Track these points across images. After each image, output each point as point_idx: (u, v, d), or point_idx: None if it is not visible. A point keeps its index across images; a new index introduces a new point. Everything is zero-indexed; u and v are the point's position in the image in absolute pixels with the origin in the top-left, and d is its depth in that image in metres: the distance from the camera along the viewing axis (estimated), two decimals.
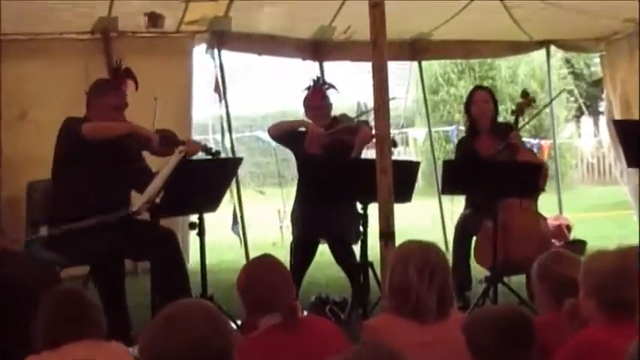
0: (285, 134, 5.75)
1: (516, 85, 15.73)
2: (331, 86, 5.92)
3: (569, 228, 7.96)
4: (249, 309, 2.92)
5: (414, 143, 15.88)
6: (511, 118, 5.66)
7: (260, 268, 3.01)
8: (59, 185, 4.84)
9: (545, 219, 5.63)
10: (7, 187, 5.73)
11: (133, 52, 6.71)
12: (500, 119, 6.34)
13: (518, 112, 5.56)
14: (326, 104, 5.77)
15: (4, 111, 6.19)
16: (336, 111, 5.99)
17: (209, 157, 4.95)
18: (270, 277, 2.93)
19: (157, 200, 4.54)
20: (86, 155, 4.63)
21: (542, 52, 9.02)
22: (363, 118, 5.88)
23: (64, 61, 6.60)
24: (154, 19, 6.62)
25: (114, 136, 4.67)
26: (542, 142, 12.66)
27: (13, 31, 6.20)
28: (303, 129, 5.64)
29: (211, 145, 6.74)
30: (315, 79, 5.94)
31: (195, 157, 4.98)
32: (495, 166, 5.19)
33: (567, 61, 16.77)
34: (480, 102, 5.74)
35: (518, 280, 5.48)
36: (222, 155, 6.02)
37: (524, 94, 5.68)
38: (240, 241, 7.48)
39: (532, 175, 5.09)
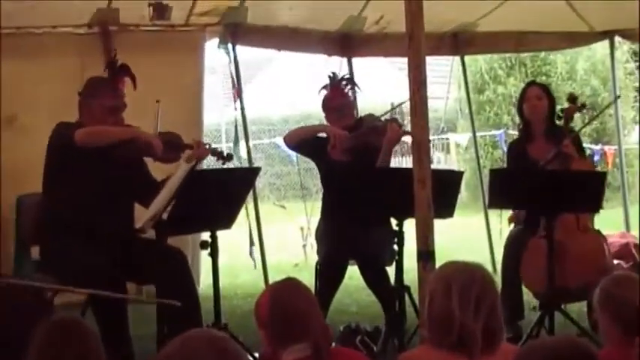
0: (303, 142, 5.77)
1: (574, 83, 15.66)
2: (351, 82, 5.92)
3: (638, 247, 7.88)
4: (270, 340, 2.93)
5: (456, 150, 15.85)
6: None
7: (283, 292, 3.02)
8: (51, 199, 4.89)
9: (605, 239, 5.57)
10: None
11: (136, 47, 6.76)
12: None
13: (566, 119, 5.49)
14: (347, 103, 5.79)
15: None
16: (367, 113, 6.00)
17: (220, 162, 4.97)
18: (295, 302, 2.93)
19: (164, 216, 4.57)
20: (80, 165, 4.68)
21: (605, 43, 8.98)
22: (395, 117, 5.87)
23: (58, 58, 6.66)
24: (160, 10, 6.66)
25: (111, 143, 4.70)
26: (606, 147, 12.58)
27: None
28: (323, 134, 5.65)
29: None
30: (331, 75, 5.91)
31: (206, 166, 5.01)
32: (550, 176, 5.15)
33: (635, 53, 16.64)
34: (532, 99, 5.67)
35: (578, 307, 5.44)
36: (237, 164, 6.04)
37: (572, 97, 5.59)
38: (255, 265, 7.49)
39: (595, 187, 5.06)
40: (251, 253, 7.64)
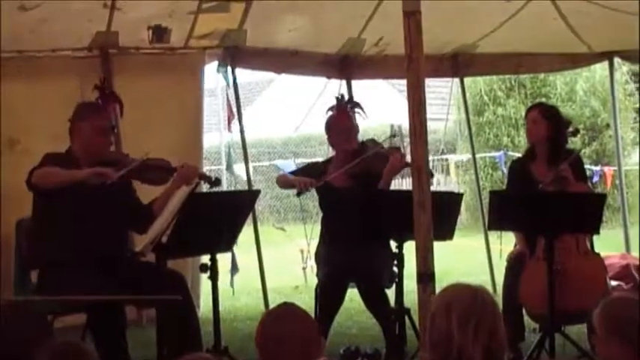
0: (289, 187, 5.80)
1: (574, 104, 15.70)
2: (357, 106, 5.94)
3: (638, 268, 7.88)
4: None
5: (455, 171, 15.87)
6: None
7: (274, 317, 3.02)
8: (40, 228, 4.94)
9: (602, 260, 5.56)
10: None
11: (136, 70, 6.81)
12: None
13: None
14: (352, 126, 5.79)
15: None
16: (366, 135, 6.01)
17: (208, 186, 4.98)
18: (283, 327, 2.93)
19: (164, 239, 4.58)
20: (58, 200, 4.70)
21: (605, 64, 9.01)
22: (395, 142, 5.89)
23: (58, 81, 6.67)
24: (159, 33, 6.69)
25: (64, 184, 4.69)
26: (606, 168, 12.60)
27: None
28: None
29: (224, 177, 6.78)
30: (339, 97, 5.95)
31: (207, 190, 5.03)
32: (550, 198, 5.17)
33: (635, 74, 16.70)
34: (529, 122, 5.70)
35: (577, 329, 5.44)
36: (238, 186, 6.03)
37: (566, 123, 5.65)
38: (233, 292, 7.45)
39: (594, 208, 5.07)
40: (231, 282, 7.60)
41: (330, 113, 5.84)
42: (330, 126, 5.83)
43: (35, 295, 4.80)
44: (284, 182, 5.83)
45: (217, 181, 5.07)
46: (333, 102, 5.89)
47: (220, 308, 4.94)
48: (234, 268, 7.51)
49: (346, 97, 6.10)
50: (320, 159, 5.99)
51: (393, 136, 5.99)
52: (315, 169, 5.79)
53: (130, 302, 5.09)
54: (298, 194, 5.55)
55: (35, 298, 4.66)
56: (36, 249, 4.96)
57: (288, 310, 3.08)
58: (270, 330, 2.98)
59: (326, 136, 5.92)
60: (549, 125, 5.61)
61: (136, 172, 4.87)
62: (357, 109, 5.88)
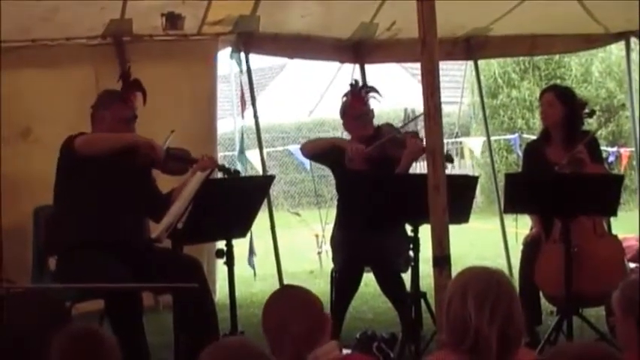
0: (320, 152, 5.80)
1: (590, 85, 15.64)
2: (373, 90, 5.93)
3: None
4: (274, 352, 2.95)
5: (470, 155, 15.82)
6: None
7: (278, 304, 3.03)
8: (61, 212, 4.95)
9: (621, 243, 5.55)
10: (9, 213, 5.83)
11: (150, 57, 6.82)
12: None
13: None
14: (367, 112, 5.78)
15: (5, 128, 6.26)
16: (380, 120, 6.01)
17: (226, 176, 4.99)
18: (292, 313, 2.95)
19: (179, 225, 4.60)
20: (86, 175, 4.73)
21: (621, 45, 8.95)
22: (411, 127, 5.88)
23: (72, 69, 6.70)
24: (173, 20, 6.70)
25: (114, 149, 4.73)
26: (622, 150, 12.55)
27: (11, 36, 6.27)
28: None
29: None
30: (354, 82, 5.94)
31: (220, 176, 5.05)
32: (566, 180, 5.15)
33: None
34: (544, 105, 5.66)
35: (596, 312, 5.44)
36: (251, 172, 6.05)
37: (581, 104, 5.62)
38: (255, 275, 7.46)
39: (611, 190, 5.05)
40: (250, 262, 7.66)
41: (345, 99, 5.83)
42: (346, 112, 5.82)
43: (53, 283, 4.84)
44: (323, 145, 5.79)
45: (236, 173, 5.09)
46: (347, 87, 5.88)
47: (236, 294, 4.96)
48: (252, 253, 7.55)
49: (360, 83, 6.08)
50: None
51: (411, 120, 5.98)
52: (336, 152, 5.75)
53: (147, 288, 5.12)
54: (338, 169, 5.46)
55: (53, 286, 4.70)
56: (56, 232, 4.98)
57: (288, 292, 3.09)
58: (272, 315, 3.00)
59: (340, 121, 5.92)
60: (564, 107, 5.57)
61: (160, 160, 4.89)
62: (372, 94, 5.87)
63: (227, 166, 5.18)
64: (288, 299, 3.06)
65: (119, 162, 4.76)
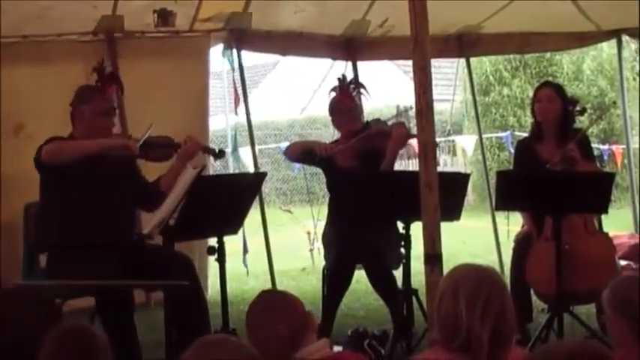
0: (302, 155, 5.80)
1: (581, 83, 15.67)
2: (360, 86, 5.92)
3: None
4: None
5: (462, 152, 15.86)
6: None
7: (257, 312, 3.02)
8: (47, 212, 4.94)
9: (611, 240, 5.56)
10: (2, 209, 5.81)
11: (141, 54, 6.81)
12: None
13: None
14: (355, 107, 5.78)
15: None
16: (372, 117, 6.00)
17: (212, 159, 4.98)
18: (272, 316, 2.95)
19: (171, 222, 4.59)
20: (66, 178, 4.71)
21: (612, 43, 8.97)
22: (399, 121, 5.87)
23: (64, 66, 6.66)
24: (165, 16, 6.69)
25: (78, 159, 4.68)
26: (614, 147, 12.56)
27: (3, 33, 6.25)
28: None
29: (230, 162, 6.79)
30: (341, 77, 5.92)
31: (212, 173, 5.04)
32: (558, 177, 5.15)
33: None
34: (543, 100, 5.60)
35: (586, 309, 5.45)
36: (243, 169, 6.04)
37: (572, 101, 5.61)
38: (247, 273, 7.45)
39: (602, 188, 5.05)
40: (244, 261, 7.65)
41: (333, 94, 5.82)
42: (334, 107, 5.81)
43: (43, 280, 4.82)
44: (300, 148, 5.81)
45: (222, 153, 5.08)
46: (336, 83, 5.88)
47: (228, 291, 4.95)
48: (246, 251, 7.55)
49: (349, 78, 6.07)
50: (326, 141, 5.99)
51: (399, 113, 5.98)
52: (312, 154, 5.74)
53: (138, 286, 5.11)
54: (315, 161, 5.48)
55: (43, 282, 4.68)
56: (43, 232, 4.98)
57: (266, 298, 3.09)
58: (255, 324, 3.00)
59: (330, 119, 5.91)
60: (563, 105, 5.57)
61: (142, 149, 4.87)
62: (361, 90, 5.87)
63: (211, 146, 5.18)
64: (268, 304, 3.05)
65: (97, 161, 4.74)
